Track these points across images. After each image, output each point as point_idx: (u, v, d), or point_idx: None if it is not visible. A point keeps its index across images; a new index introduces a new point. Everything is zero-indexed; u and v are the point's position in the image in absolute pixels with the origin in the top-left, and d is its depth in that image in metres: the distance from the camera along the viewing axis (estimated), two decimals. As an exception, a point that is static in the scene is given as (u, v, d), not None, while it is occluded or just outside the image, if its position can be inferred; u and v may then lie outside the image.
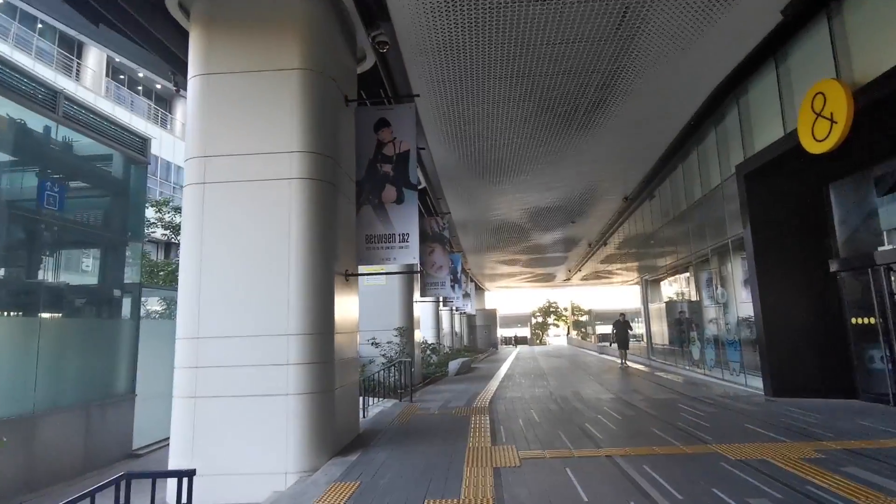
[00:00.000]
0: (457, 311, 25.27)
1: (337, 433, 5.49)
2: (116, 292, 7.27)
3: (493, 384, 11.42)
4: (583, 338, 48.31)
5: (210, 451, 4.96)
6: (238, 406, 5.04)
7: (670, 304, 14.66)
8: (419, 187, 13.69)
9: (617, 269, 26.74)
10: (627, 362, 14.97)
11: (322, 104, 5.71)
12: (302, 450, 4.99)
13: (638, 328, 25.14)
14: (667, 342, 15.31)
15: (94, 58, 23.09)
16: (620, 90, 8.61)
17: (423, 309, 18.63)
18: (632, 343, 27.13)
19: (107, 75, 23.74)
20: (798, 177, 7.73)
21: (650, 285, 18.75)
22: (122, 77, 24.73)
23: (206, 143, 5.51)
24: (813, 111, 5.85)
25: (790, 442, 4.91)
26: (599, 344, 29.27)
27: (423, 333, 17.64)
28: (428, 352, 16.27)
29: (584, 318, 57.80)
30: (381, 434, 6.25)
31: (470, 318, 36.23)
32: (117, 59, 23.40)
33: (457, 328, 29.37)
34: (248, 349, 5.14)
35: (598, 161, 12.55)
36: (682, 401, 7.67)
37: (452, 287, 18.45)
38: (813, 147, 5.88)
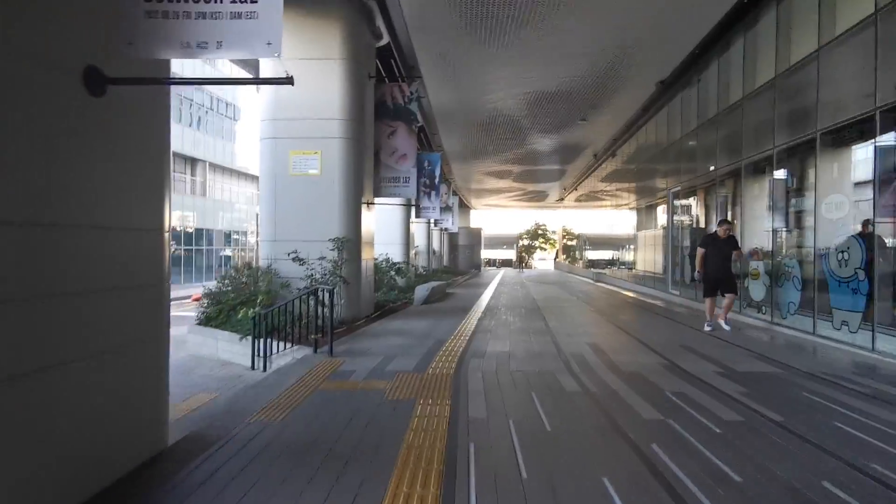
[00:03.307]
0: (435, 225, 21.76)
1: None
2: None
3: (470, 323, 8.12)
4: (571, 262, 45.77)
5: None
6: None
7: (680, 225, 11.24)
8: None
9: (620, 189, 23.05)
10: (724, 321, 7.05)
11: None
12: None
13: (627, 255, 21.73)
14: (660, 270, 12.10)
15: None
16: None
17: (389, 219, 15.03)
18: (621, 270, 23.61)
19: None
20: None
21: (654, 207, 15.25)
22: None
23: None
24: None
25: None
26: (594, 271, 26.34)
27: (388, 249, 14.17)
28: (392, 273, 12.89)
29: (572, 243, 55.06)
30: (208, 453, 2.83)
31: (452, 237, 32.98)
32: None
33: (435, 246, 26.10)
34: None
35: (639, 9, 8.43)
36: (801, 382, 4.35)
37: (427, 194, 14.76)
38: None
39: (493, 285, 18.58)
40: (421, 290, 11.32)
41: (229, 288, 7.84)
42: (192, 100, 27.09)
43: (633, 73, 11.35)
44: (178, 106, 25.61)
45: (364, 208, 8.73)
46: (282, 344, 6.11)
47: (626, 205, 22.02)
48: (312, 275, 7.54)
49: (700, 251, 7.14)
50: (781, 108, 7.51)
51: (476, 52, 10.27)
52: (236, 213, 34.41)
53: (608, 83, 12.08)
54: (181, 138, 25.89)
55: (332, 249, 7.86)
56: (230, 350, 6.76)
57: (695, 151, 11.19)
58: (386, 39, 9.81)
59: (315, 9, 8.15)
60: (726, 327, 6.95)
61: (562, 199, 38.84)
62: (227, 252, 33.58)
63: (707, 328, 7.01)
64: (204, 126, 27.86)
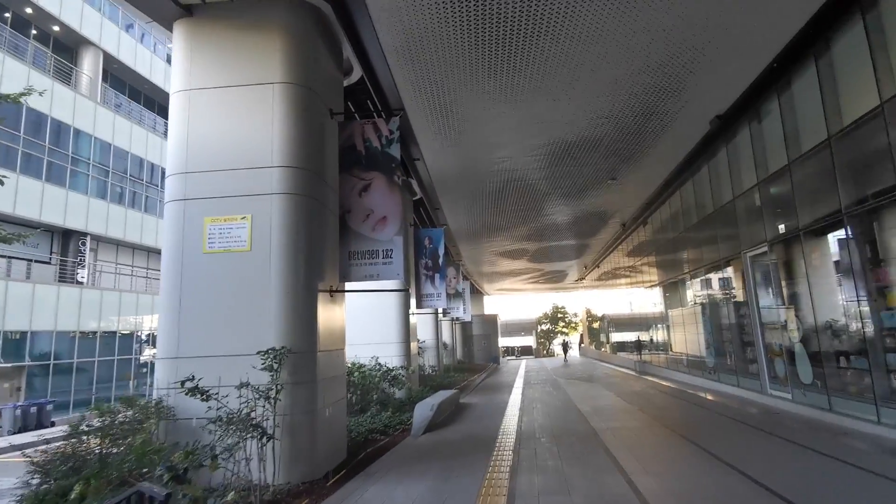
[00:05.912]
0: (444, 315, 18.61)
1: None
2: None
3: (498, 488, 4.78)
4: (597, 347, 41.49)
5: None
6: None
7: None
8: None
9: (648, 264, 19.95)
10: None
11: None
12: None
13: (657, 334, 18.06)
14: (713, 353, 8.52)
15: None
16: None
17: (379, 310, 11.93)
18: (655, 355, 19.31)
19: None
20: None
21: (676, 285, 11.80)
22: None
23: None
24: None
25: None
26: (632, 359, 22.50)
27: (380, 351, 10.94)
28: (384, 385, 9.62)
29: (595, 325, 50.87)
30: None
31: (465, 327, 29.62)
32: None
33: (446, 339, 22.73)
34: None
35: (696, 8, 6.00)
36: None
37: (429, 278, 11.87)
38: None
39: (517, 387, 14.99)
40: (422, 411, 7.98)
41: (89, 444, 4.67)
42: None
43: (682, 104, 8.82)
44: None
45: (324, 298, 5.78)
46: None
47: (651, 281, 18.84)
48: (222, 417, 4.40)
49: None
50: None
51: (478, 89, 7.86)
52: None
53: (648, 123, 9.55)
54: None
55: (263, 368, 4.80)
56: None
57: (787, 198, 8.27)
58: (358, 74, 7.45)
59: (243, 19, 5.79)
60: None
61: (582, 279, 35.77)
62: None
63: None
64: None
